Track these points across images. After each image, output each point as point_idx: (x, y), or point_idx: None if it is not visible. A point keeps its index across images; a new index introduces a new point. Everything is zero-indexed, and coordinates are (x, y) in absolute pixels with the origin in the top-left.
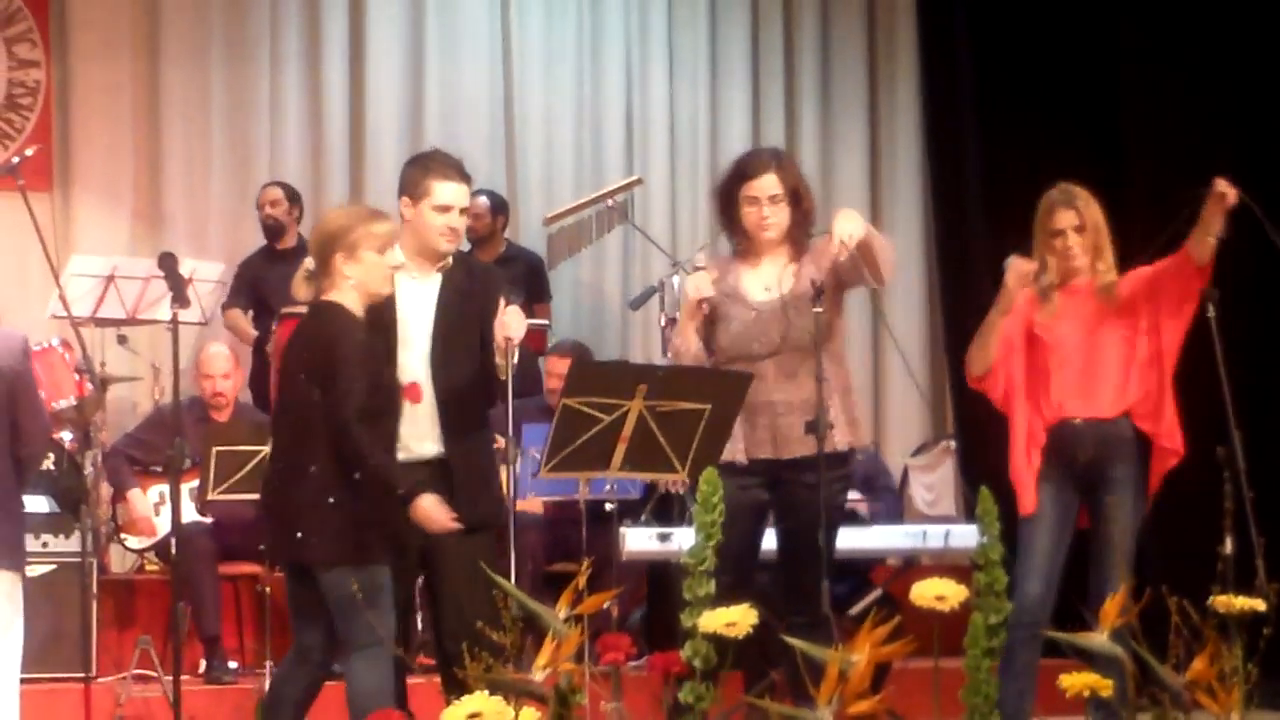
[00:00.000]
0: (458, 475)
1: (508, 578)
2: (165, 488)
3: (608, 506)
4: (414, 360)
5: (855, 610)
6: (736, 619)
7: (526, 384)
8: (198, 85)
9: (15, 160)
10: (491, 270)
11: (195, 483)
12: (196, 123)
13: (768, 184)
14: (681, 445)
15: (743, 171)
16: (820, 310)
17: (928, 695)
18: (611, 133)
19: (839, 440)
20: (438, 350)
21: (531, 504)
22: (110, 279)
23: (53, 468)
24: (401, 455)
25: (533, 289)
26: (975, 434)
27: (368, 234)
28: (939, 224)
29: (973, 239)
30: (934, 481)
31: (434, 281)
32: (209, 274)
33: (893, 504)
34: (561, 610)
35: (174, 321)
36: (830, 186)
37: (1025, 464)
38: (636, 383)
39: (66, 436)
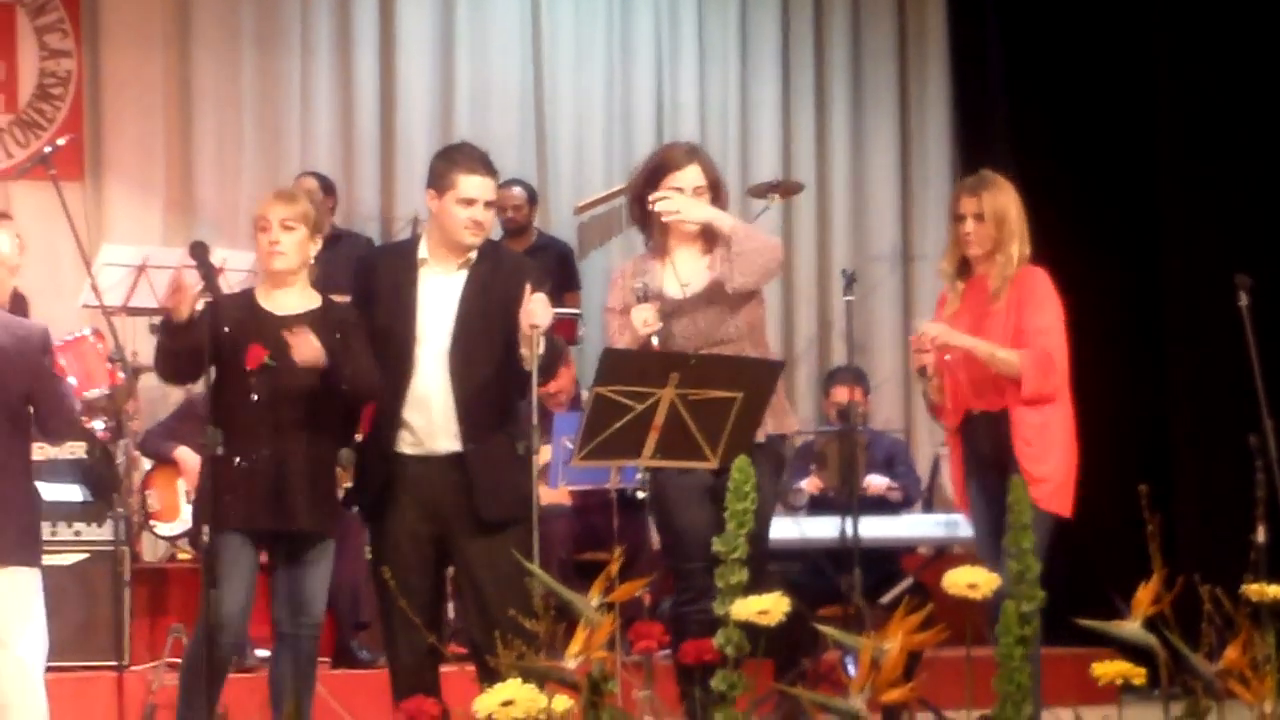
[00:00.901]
0: (476, 473)
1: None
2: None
3: (639, 495)
4: (432, 357)
5: (887, 599)
6: (769, 607)
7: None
8: (229, 74)
9: (47, 150)
10: (521, 260)
11: None
12: (228, 112)
13: (692, 175)
14: (713, 433)
15: (666, 164)
16: (852, 298)
17: (959, 684)
18: (642, 122)
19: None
20: (458, 348)
21: (559, 494)
22: (142, 268)
23: (85, 456)
24: (418, 450)
25: (563, 278)
26: None
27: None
28: None
29: None
30: None
31: (459, 277)
32: (241, 263)
33: (913, 485)
34: (594, 598)
35: (206, 311)
36: (861, 176)
37: (955, 463)
38: (668, 371)
39: (99, 425)
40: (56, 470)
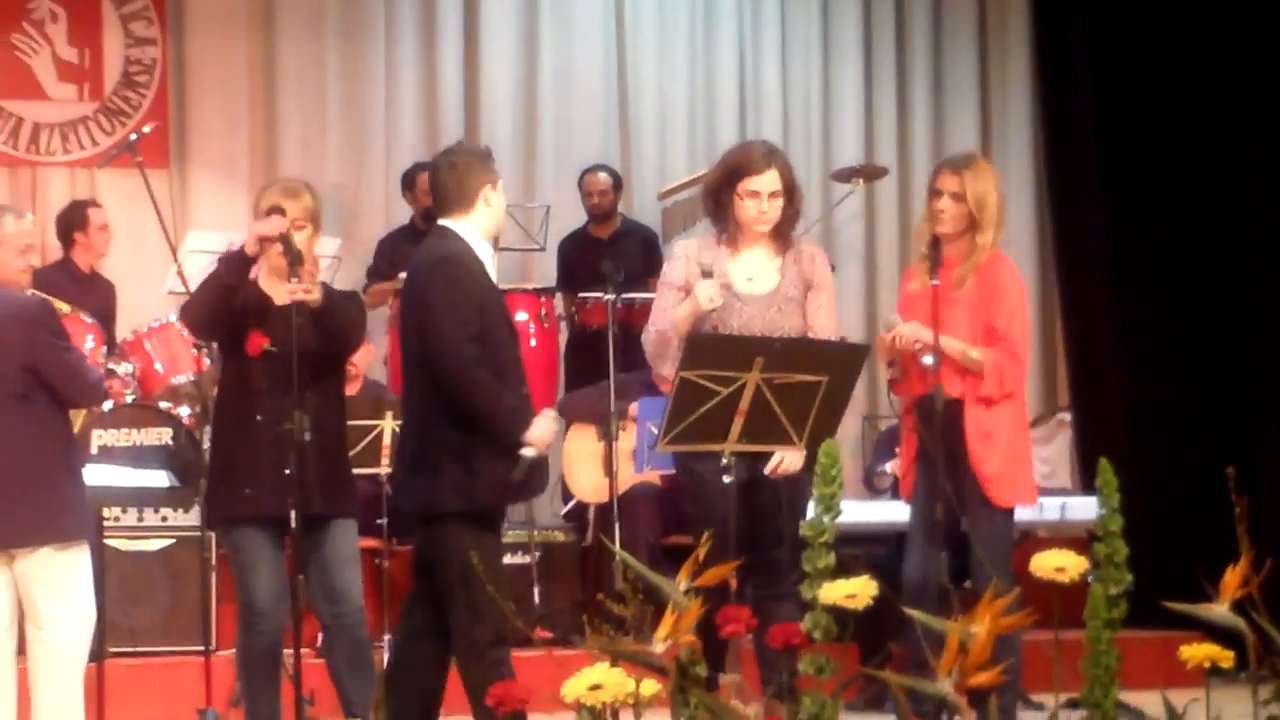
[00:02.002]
0: None
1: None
2: None
3: (725, 479)
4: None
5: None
6: (857, 591)
7: (631, 359)
8: (313, 61)
9: (133, 137)
10: None
11: None
12: (312, 98)
13: (770, 180)
14: (799, 417)
15: (744, 167)
16: (937, 283)
17: (1044, 667)
18: (725, 108)
19: None
20: None
21: (649, 476)
22: None
23: (170, 442)
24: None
25: (647, 264)
26: (1090, 406)
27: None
28: (1053, 194)
29: (1088, 210)
30: (1049, 454)
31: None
32: (325, 249)
33: None
34: (681, 582)
35: (292, 296)
36: (942, 157)
37: (905, 445)
38: (754, 355)
39: (184, 412)
40: (142, 456)
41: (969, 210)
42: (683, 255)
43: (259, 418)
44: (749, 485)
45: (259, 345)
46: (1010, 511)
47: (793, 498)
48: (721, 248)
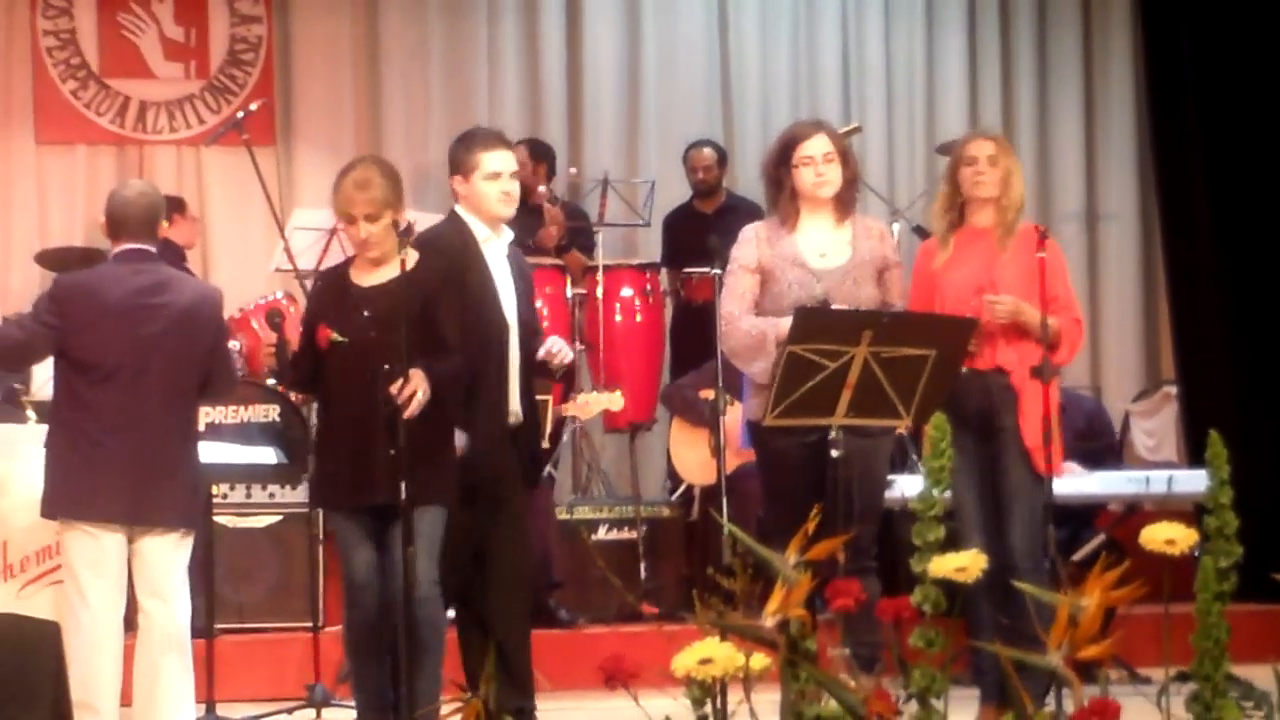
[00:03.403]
0: (531, 438)
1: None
2: None
3: (834, 453)
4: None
5: (1079, 555)
6: (967, 564)
7: None
8: (416, 38)
9: (239, 115)
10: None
11: None
12: (415, 75)
13: (820, 144)
14: (906, 391)
15: (795, 138)
16: (1044, 255)
17: (1149, 641)
18: (827, 81)
19: None
20: (521, 319)
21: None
22: (333, 232)
23: (278, 419)
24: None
25: None
26: (1197, 379)
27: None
28: (1157, 167)
29: (1192, 184)
30: (1155, 427)
31: (501, 248)
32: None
33: (1113, 451)
34: (791, 556)
35: (401, 270)
36: (1046, 134)
37: None
38: (861, 329)
39: None
40: (249, 433)
41: (1003, 175)
42: (753, 237)
43: (333, 409)
44: (829, 460)
45: (325, 337)
46: (1049, 482)
47: (868, 472)
48: (784, 228)
